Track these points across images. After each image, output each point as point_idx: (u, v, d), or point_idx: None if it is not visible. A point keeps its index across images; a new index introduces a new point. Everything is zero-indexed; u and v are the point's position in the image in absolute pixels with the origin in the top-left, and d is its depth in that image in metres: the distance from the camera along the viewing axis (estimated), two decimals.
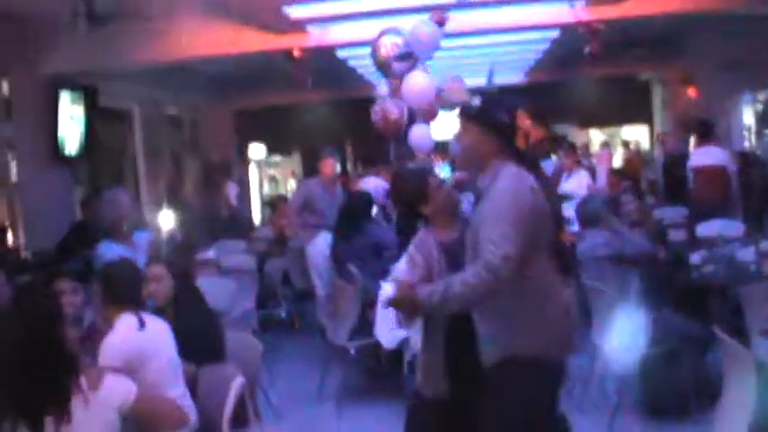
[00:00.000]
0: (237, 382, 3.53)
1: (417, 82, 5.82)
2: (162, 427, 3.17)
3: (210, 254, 8.12)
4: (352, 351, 6.43)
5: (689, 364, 5.36)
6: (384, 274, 6.63)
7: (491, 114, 3.43)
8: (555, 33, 12.16)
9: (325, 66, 13.22)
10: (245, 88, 17.44)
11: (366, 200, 7.65)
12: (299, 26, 9.65)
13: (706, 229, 7.76)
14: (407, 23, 7.03)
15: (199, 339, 3.95)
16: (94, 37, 9.20)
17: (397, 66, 6.47)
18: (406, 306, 3.44)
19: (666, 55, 16.86)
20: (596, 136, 21.97)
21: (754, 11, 9.97)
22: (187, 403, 3.66)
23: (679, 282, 5.85)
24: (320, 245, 8.36)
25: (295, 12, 8.79)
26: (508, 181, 3.30)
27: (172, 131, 15.55)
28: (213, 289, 6.19)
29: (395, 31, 6.78)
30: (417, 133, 7.25)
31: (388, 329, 6.21)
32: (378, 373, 6.92)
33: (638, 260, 5.65)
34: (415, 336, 5.82)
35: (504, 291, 3.23)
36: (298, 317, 9.07)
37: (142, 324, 3.64)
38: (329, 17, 8.92)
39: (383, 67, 6.71)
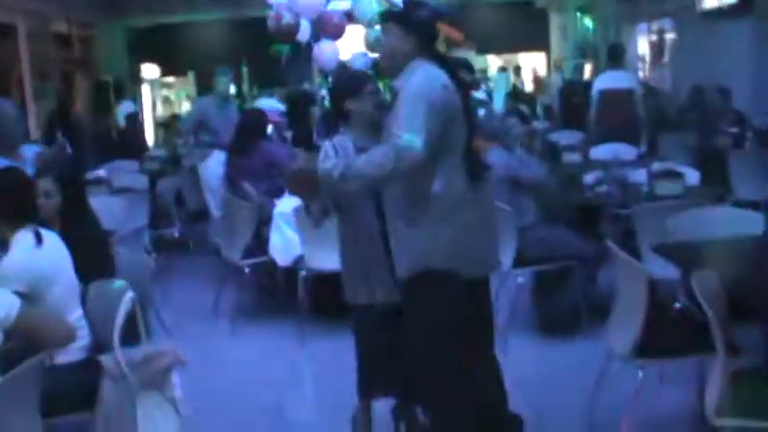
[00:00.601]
0: (127, 298, 3.41)
1: None
2: (48, 343, 3.05)
3: (101, 173, 7.83)
4: (247, 270, 6.34)
5: (581, 282, 5.47)
6: (279, 192, 6.55)
7: (412, 15, 3.42)
8: None
9: None
10: (138, 4, 16.87)
11: (261, 118, 7.48)
12: None
13: (600, 152, 7.89)
14: None
15: (87, 255, 3.79)
16: None
17: None
18: (304, 179, 3.37)
19: None
20: (494, 62, 22.09)
21: None
22: (82, 324, 3.52)
23: (573, 201, 5.93)
24: (214, 164, 8.18)
25: None
26: (420, 77, 3.28)
27: (60, 49, 14.91)
28: (103, 208, 5.95)
29: None
30: (323, 49, 7.04)
31: (282, 247, 6.16)
32: (273, 292, 6.87)
33: (531, 187, 5.67)
34: (311, 252, 5.84)
35: (417, 199, 3.27)
36: (192, 237, 8.90)
37: (39, 240, 3.40)
38: None
39: None
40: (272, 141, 7.63)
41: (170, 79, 22.07)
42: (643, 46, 15.12)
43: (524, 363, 5.13)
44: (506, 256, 5.36)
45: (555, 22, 20.48)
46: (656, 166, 5.84)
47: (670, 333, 3.74)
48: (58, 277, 3.41)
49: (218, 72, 8.94)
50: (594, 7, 17.04)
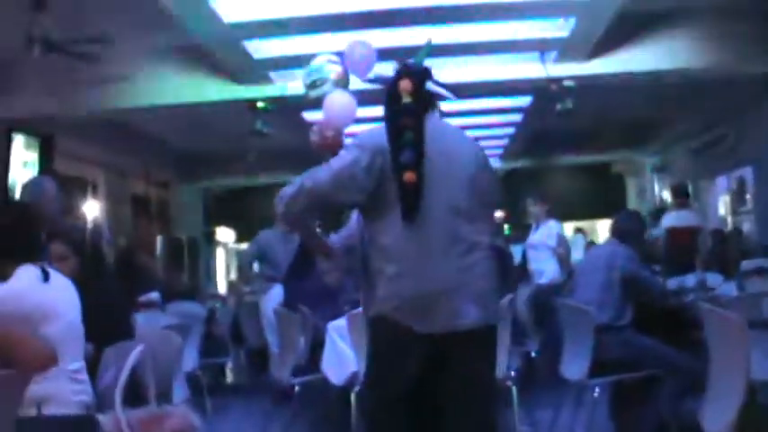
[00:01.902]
0: (137, 350, 2.97)
1: (338, 99, 5.50)
2: (24, 362, 2.61)
3: (153, 296, 7.54)
4: (297, 388, 5.82)
5: (670, 396, 4.82)
6: (337, 317, 6.12)
7: (387, 84, 3.37)
8: (527, 101, 11.97)
9: (294, 143, 12.86)
10: (216, 167, 17.14)
11: None
12: (263, 75, 9.40)
13: (684, 281, 7.35)
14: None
15: (103, 319, 3.41)
16: (50, 78, 8.91)
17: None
18: None
19: (638, 142, 16.78)
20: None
21: (729, 70, 9.80)
22: (83, 379, 3.09)
23: (661, 310, 5.36)
24: (275, 298, 7.81)
25: (257, 50, 8.48)
26: (365, 132, 3.32)
27: (137, 206, 15.16)
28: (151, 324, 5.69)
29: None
30: None
31: (336, 363, 5.66)
32: (325, 417, 6.32)
33: (642, 291, 5.16)
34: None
35: (368, 252, 3.25)
36: (248, 371, 8.43)
37: (46, 276, 3.07)
38: (293, 59, 8.58)
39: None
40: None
41: (244, 245, 22.16)
42: (724, 199, 14.66)
43: None
44: (582, 363, 4.80)
45: (632, 187, 20.17)
46: (746, 264, 5.28)
47: None
48: (56, 317, 2.99)
49: None
50: (670, 167, 16.69)
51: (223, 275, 20.68)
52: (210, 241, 19.65)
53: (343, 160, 3.16)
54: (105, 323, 3.45)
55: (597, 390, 4.85)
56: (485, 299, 3.16)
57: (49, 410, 2.92)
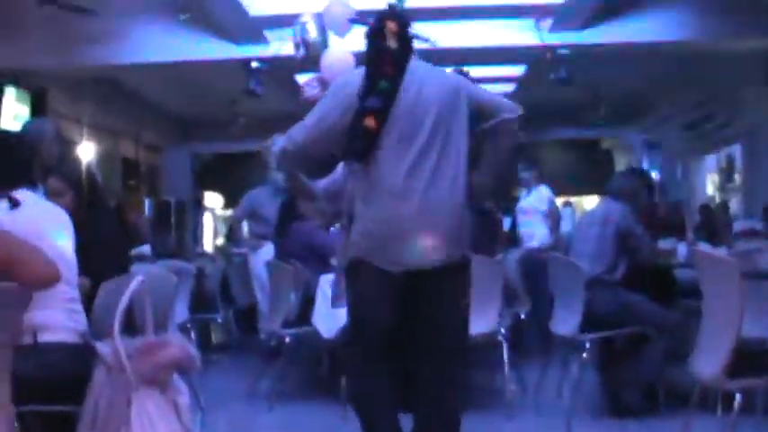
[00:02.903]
0: (137, 281, 2.95)
1: (337, 55, 5.51)
2: (20, 270, 2.58)
3: (145, 249, 7.54)
4: (288, 339, 5.81)
5: (659, 355, 4.85)
6: (328, 272, 6.12)
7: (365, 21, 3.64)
8: (522, 70, 11.94)
9: (285, 107, 12.79)
10: (206, 131, 17.07)
11: (294, 201, 7.08)
12: (258, 34, 9.34)
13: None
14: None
15: (100, 253, 3.42)
16: (45, 31, 8.83)
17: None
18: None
19: (629, 117, 16.77)
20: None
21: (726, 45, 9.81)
22: (77, 309, 3.09)
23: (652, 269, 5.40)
24: (265, 255, 7.80)
25: (252, 7, 8.42)
26: (333, 84, 3.41)
27: (128, 169, 15.12)
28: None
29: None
30: None
31: (327, 315, 5.66)
32: (315, 372, 6.34)
33: (635, 248, 5.17)
34: None
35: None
36: (238, 327, 8.44)
37: (14, 204, 2.94)
38: (289, 18, 8.53)
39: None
40: (306, 223, 7.16)
41: (231, 212, 22.08)
42: (712, 177, 14.76)
43: None
44: (573, 318, 4.84)
45: (621, 163, 20.21)
46: (738, 225, 5.34)
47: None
48: (37, 239, 2.89)
49: None
50: (660, 144, 16.70)
51: (210, 240, 20.62)
52: (198, 206, 19.61)
53: (316, 115, 3.26)
54: (103, 258, 3.46)
55: (588, 345, 4.88)
56: (453, 234, 3.22)
57: (45, 339, 2.92)
